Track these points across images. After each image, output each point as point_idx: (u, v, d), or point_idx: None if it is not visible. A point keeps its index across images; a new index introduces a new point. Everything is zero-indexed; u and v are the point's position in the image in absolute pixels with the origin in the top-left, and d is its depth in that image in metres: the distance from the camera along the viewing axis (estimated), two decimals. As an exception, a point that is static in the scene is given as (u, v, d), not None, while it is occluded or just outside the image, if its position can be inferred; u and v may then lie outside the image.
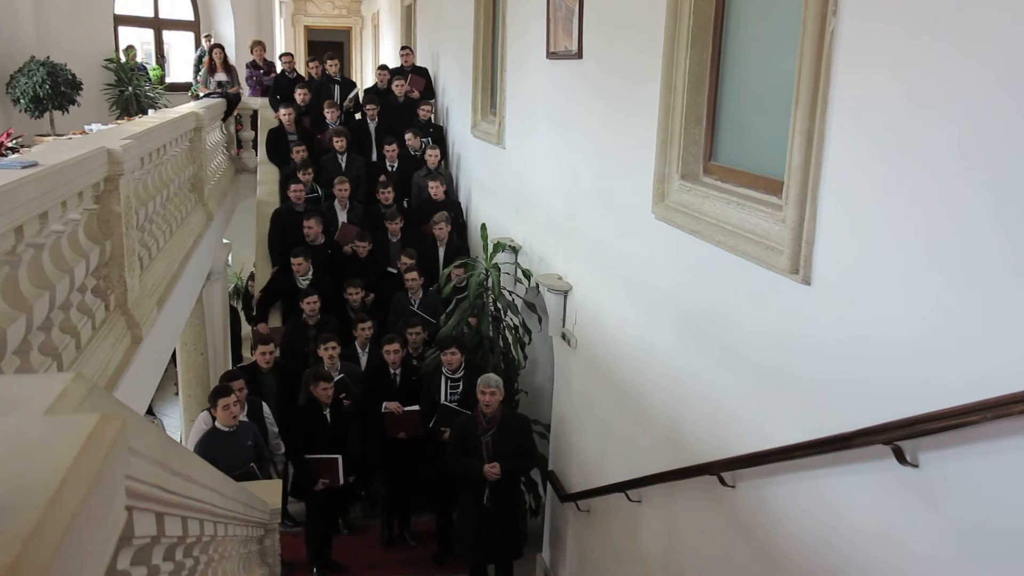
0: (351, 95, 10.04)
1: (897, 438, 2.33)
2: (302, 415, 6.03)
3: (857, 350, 2.60)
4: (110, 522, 0.91)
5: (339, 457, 5.84)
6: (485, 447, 5.42)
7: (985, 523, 2.09)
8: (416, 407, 6.22)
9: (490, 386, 5.42)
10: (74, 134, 6.93)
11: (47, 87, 10.26)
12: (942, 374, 2.23)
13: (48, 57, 10.61)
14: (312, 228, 7.81)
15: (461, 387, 6.15)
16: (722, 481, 3.45)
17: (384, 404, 6.26)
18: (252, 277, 11.45)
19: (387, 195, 8.42)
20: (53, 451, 0.82)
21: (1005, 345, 2.01)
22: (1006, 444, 2.01)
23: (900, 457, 2.34)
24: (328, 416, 5.96)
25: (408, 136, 9.08)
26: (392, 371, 6.41)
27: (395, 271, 7.71)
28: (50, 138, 7.94)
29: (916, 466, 2.32)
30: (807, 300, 2.85)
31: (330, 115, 9.41)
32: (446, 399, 6.16)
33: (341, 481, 5.90)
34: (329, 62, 10.24)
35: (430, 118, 9.62)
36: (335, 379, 6.18)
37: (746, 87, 3.60)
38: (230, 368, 9.41)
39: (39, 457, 0.80)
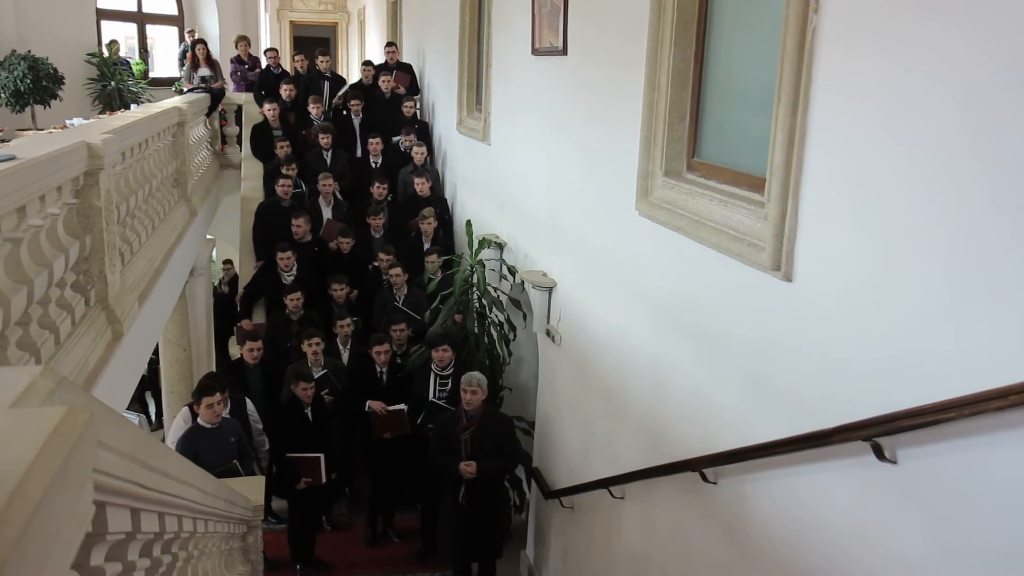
0: (341, 91, 10.01)
1: (876, 434, 2.35)
2: (283, 414, 6.00)
3: (838, 346, 2.61)
4: (77, 515, 0.90)
5: (321, 456, 5.82)
6: (464, 445, 5.42)
7: (961, 519, 2.10)
8: (402, 406, 6.18)
9: (472, 384, 5.42)
10: (55, 128, 6.87)
11: (28, 81, 10.18)
12: (921, 371, 2.24)
13: (29, 51, 10.53)
14: (301, 227, 7.77)
15: (450, 384, 6.13)
16: (704, 477, 3.46)
17: (368, 403, 6.24)
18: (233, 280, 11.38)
19: (381, 190, 8.40)
20: (17, 443, 0.81)
21: (981, 342, 2.03)
22: (981, 440, 2.02)
23: (879, 454, 2.36)
24: (309, 414, 5.93)
25: (409, 136, 9.04)
26: (379, 369, 6.40)
27: (377, 267, 7.70)
28: (31, 132, 7.86)
29: (894, 463, 2.34)
30: (788, 296, 2.86)
31: (314, 110, 9.37)
32: (435, 396, 6.15)
33: (324, 480, 5.88)
34: (320, 58, 10.21)
35: (415, 114, 9.59)
36: (318, 375, 6.15)
37: (729, 85, 3.61)
38: (213, 364, 9.38)
39: (2, 449, 0.79)
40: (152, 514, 1.81)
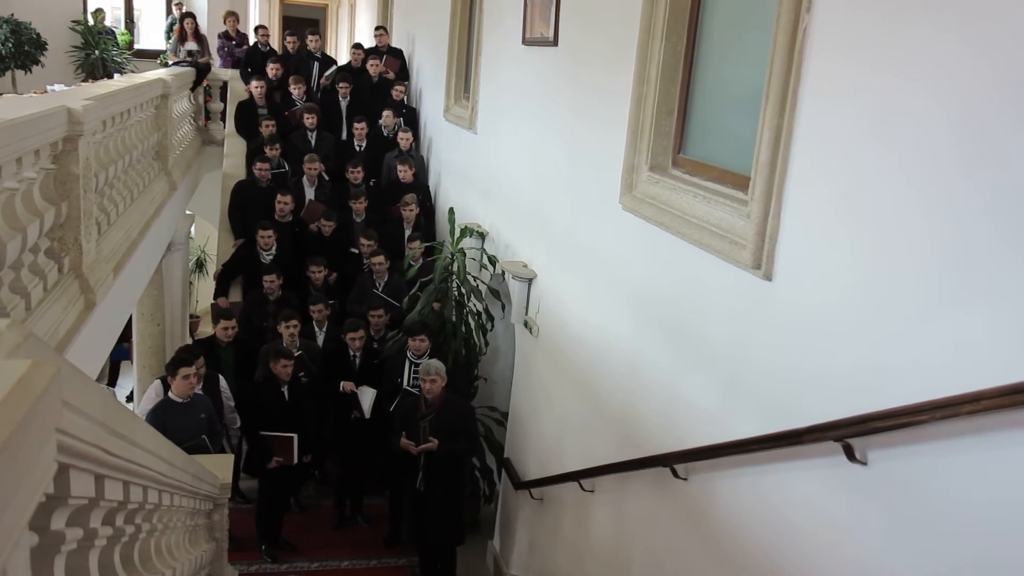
0: (329, 71, 9.92)
1: (847, 435, 2.36)
2: (259, 391, 5.96)
3: (814, 347, 2.62)
4: (37, 472, 0.88)
5: (295, 436, 5.78)
6: (422, 431, 5.42)
7: (928, 522, 2.12)
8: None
9: (430, 374, 5.42)
10: (35, 93, 6.76)
11: (10, 45, 10.00)
12: (895, 374, 2.25)
13: (12, 15, 10.34)
14: (287, 204, 7.71)
15: (425, 372, 6.11)
16: (675, 473, 3.46)
17: (341, 383, 6.21)
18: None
19: (356, 174, 8.33)
20: (-22, 394, 0.78)
21: (957, 347, 2.04)
22: (952, 445, 2.03)
23: (850, 454, 2.37)
24: (286, 393, 5.90)
25: (386, 115, 8.97)
26: (352, 353, 6.37)
27: (357, 251, 7.64)
28: (10, 96, 7.73)
29: (865, 464, 2.35)
30: (768, 295, 2.86)
31: (296, 91, 9.28)
32: (408, 383, 6.13)
33: (295, 461, 5.84)
34: (310, 37, 10.12)
35: (403, 99, 9.53)
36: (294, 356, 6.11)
37: (718, 81, 3.61)
38: (188, 340, 9.30)
39: (-37, 399, 0.77)
40: (116, 482, 1.78)
